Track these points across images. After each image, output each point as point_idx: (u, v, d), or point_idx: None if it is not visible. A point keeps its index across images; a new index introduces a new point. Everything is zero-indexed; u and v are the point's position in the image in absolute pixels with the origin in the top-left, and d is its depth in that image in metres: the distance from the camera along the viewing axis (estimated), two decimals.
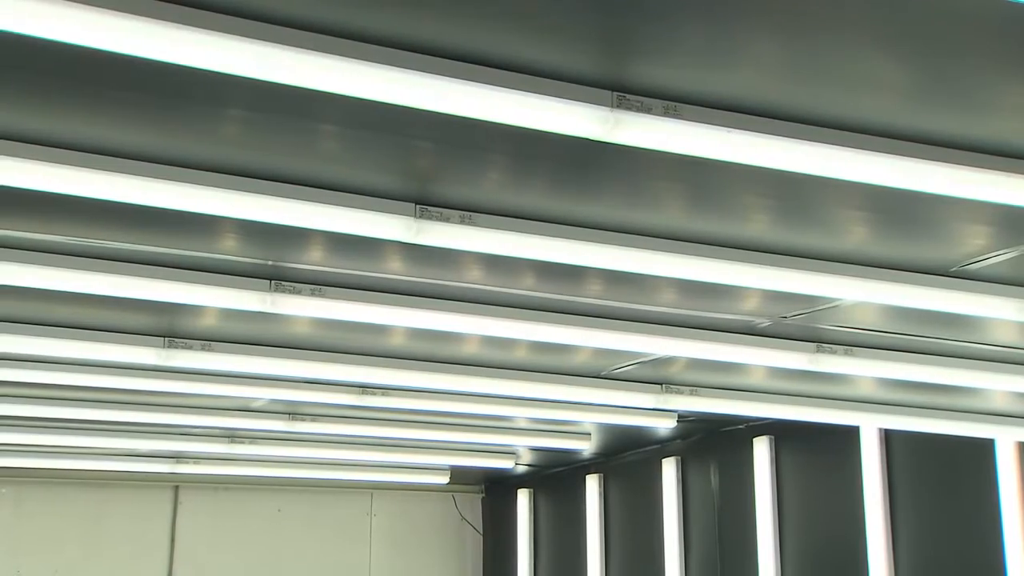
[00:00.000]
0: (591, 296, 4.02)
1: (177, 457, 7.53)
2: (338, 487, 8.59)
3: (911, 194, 2.88)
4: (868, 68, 2.40)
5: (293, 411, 6.28)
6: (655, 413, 6.14)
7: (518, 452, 8.04)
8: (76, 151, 2.67)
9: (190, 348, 4.49)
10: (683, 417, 6.53)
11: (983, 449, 5.89)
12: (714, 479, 7.55)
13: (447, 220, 3.12)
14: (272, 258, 3.58)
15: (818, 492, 6.97)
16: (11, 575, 8.06)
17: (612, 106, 2.40)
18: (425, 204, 3.04)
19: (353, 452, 7.47)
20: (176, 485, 8.52)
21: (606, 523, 8.21)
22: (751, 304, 4.12)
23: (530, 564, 8.75)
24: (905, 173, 2.75)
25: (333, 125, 2.74)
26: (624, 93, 2.39)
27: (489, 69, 2.28)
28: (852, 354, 4.60)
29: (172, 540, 8.49)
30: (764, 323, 4.34)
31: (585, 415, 6.60)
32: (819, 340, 4.51)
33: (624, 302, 4.12)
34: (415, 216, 3.06)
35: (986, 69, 2.39)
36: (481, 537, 9.18)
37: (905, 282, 3.67)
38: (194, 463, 7.65)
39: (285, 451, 7.33)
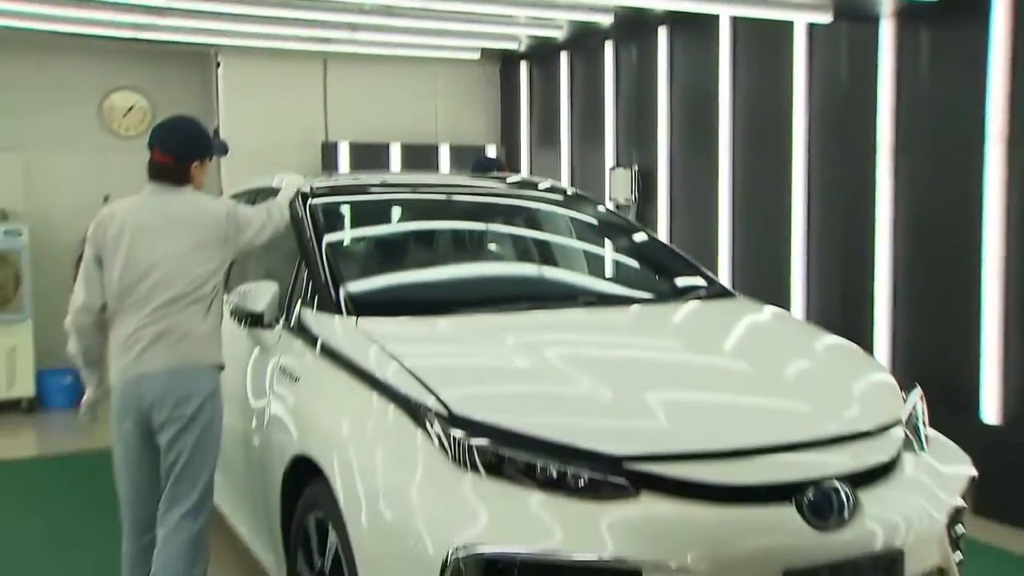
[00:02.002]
0: None
1: (325, 39, 7.59)
2: (413, 62, 8.63)
3: None
4: None
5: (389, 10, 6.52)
6: None
7: (520, 39, 8.28)
8: None
9: None
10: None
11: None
12: (632, 63, 7.50)
13: None
14: None
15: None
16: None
17: None
18: None
19: (419, 38, 7.73)
20: (324, 59, 8.53)
21: (572, 91, 8.29)
22: None
23: (528, 112, 8.95)
24: None
25: None
26: None
27: None
28: None
29: (325, 98, 8.64)
30: None
31: (562, 14, 6.89)
32: None
33: None
34: None
35: None
36: (499, 94, 9.32)
37: None
38: (333, 43, 7.65)
39: (391, 37, 7.55)
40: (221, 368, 3.28)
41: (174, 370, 3.08)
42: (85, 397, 3.42)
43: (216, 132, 7.94)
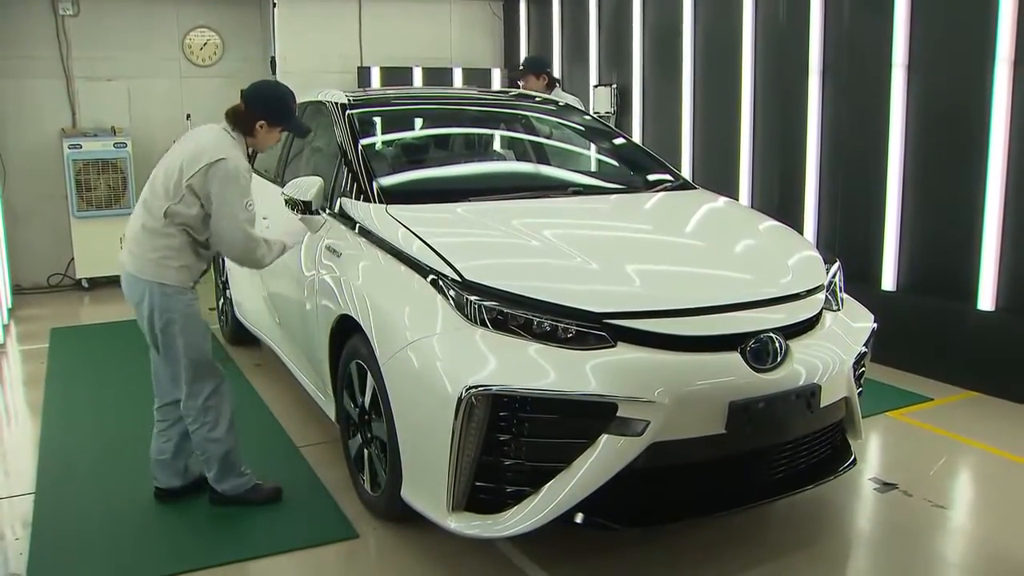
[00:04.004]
0: None
1: None
2: (432, 0, 8.28)
3: None
4: None
5: None
6: None
7: None
8: None
9: None
10: None
11: None
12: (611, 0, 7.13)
13: None
14: None
15: None
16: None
17: None
18: None
19: None
20: None
21: (562, 23, 7.88)
22: None
23: (527, 41, 8.52)
24: None
25: None
26: None
27: None
28: None
29: (360, 31, 8.18)
30: None
31: None
32: None
33: None
34: None
35: None
36: (503, 26, 8.86)
37: None
38: None
39: None
40: (170, 287, 2.72)
41: (126, 273, 2.72)
42: None
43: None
